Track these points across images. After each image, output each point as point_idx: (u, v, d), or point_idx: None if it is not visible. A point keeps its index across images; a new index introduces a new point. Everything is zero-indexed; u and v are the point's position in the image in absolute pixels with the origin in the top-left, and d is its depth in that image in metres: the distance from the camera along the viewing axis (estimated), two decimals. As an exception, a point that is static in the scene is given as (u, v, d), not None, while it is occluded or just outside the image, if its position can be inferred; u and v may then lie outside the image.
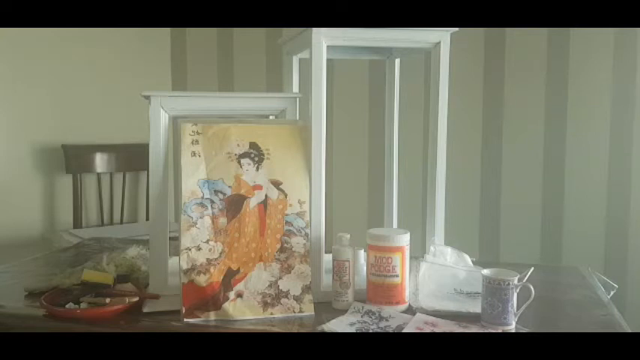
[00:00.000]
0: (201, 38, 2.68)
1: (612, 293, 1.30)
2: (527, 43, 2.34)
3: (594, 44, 2.27)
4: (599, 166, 2.30)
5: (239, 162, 1.21)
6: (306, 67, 1.26)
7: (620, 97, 2.27)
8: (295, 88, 1.48)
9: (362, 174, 2.54)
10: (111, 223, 2.56)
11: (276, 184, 1.23)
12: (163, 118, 1.20)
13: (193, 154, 1.20)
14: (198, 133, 1.20)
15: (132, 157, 2.58)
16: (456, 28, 1.27)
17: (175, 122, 1.22)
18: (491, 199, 2.44)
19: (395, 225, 1.59)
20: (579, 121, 2.31)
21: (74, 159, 2.40)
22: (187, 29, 2.69)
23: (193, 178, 1.19)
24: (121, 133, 2.54)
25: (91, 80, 2.47)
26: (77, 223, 2.41)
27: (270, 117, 1.28)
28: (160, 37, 2.74)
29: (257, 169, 1.22)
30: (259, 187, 1.22)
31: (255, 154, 1.22)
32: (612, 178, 2.29)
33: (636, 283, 2.25)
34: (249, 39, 2.57)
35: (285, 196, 1.22)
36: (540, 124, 2.36)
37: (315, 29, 1.21)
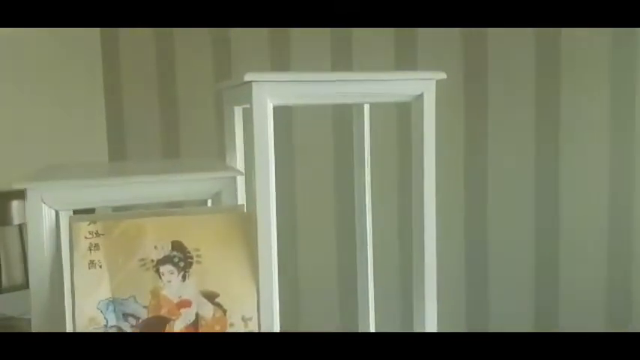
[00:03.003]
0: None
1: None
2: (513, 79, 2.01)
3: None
4: (598, 217, 1.99)
5: (158, 271, 0.88)
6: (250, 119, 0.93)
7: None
8: (239, 147, 1.15)
9: (330, 258, 1.99)
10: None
11: (211, 297, 0.90)
12: (47, 216, 0.86)
13: (92, 264, 0.86)
14: (98, 235, 0.87)
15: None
16: (443, 74, 0.96)
17: (66, 220, 0.88)
18: (478, 256, 2.08)
19: (372, 326, 1.27)
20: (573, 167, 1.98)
21: None
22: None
23: (92, 299, 0.85)
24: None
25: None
26: None
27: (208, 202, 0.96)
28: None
29: (183, 278, 0.89)
30: (187, 304, 0.89)
31: (180, 257, 0.89)
32: (612, 237, 1.99)
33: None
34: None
35: (224, 312, 0.90)
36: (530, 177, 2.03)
37: (256, 84, 0.89)
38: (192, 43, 2.01)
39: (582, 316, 1.90)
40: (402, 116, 1.89)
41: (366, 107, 1.23)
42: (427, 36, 1.96)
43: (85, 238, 0.86)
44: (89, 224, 0.86)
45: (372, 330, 1.29)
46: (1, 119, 2.07)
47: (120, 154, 2.02)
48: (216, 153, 1.92)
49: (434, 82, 0.96)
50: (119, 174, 0.93)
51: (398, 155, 1.90)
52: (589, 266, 1.94)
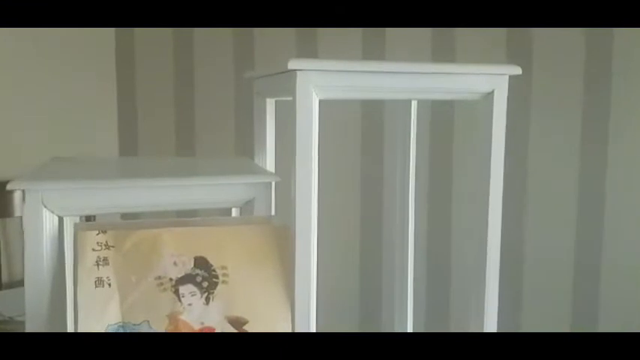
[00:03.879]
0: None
1: None
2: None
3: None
4: None
5: (177, 292, 0.74)
6: (285, 112, 0.79)
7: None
8: (270, 146, 1.01)
9: (353, 259, 1.81)
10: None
11: (239, 324, 0.76)
12: (48, 222, 0.72)
13: (99, 282, 0.73)
14: (107, 247, 0.73)
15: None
16: (518, 69, 0.82)
17: (70, 227, 0.75)
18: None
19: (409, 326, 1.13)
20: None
21: None
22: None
23: (99, 324, 0.72)
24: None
25: None
26: None
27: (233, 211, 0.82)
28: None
29: (207, 301, 0.75)
30: (210, 331, 0.75)
31: (204, 276, 0.75)
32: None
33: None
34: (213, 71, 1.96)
35: (253, 342, 0.76)
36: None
37: (301, 74, 0.75)
38: (212, 32, 1.87)
39: (623, 316, 1.75)
40: (434, 112, 1.74)
41: (414, 104, 1.09)
42: (465, 31, 1.81)
43: (93, 250, 0.72)
44: (98, 234, 0.73)
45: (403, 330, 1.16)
46: (9, 107, 1.94)
47: (131, 149, 1.88)
48: (234, 151, 1.78)
49: (507, 77, 0.82)
50: (134, 174, 0.79)
51: (428, 154, 1.75)
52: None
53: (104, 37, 1.99)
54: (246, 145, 1.66)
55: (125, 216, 1.56)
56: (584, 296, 1.73)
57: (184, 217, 0.78)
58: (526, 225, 1.73)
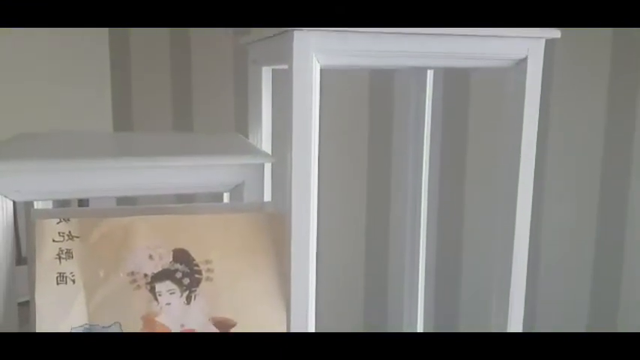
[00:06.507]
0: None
1: None
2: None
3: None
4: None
5: (153, 290, 0.64)
6: (283, 83, 0.68)
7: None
8: (266, 123, 0.90)
9: (358, 250, 1.58)
10: None
11: (226, 326, 0.66)
12: (4, 209, 0.62)
13: (61, 278, 0.62)
14: (71, 237, 0.62)
15: None
16: (557, 32, 0.70)
17: (28, 212, 0.64)
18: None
19: (419, 326, 1.03)
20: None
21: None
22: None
23: (61, 327, 0.61)
24: None
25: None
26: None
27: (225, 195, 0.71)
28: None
29: (188, 300, 0.65)
30: (192, 336, 0.65)
31: (185, 272, 0.65)
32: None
33: None
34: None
35: (242, 347, 0.66)
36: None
37: (299, 34, 0.63)
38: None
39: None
40: (447, 85, 1.59)
41: (430, 74, 0.97)
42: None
43: (54, 241, 0.62)
44: (59, 222, 0.62)
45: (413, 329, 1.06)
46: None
47: (126, 123, 1.75)
48: (235, 127, 1.65)
49: (543, 42, 0.70)
50: (101, 153, 0.68)
51: (441, 133, 1.61)
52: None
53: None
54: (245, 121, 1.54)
55: (121, 201, 1.45)
56: (602, 295, 1.61)
57: (164, 205, 0.67)
58: (543, 215, 1.60)
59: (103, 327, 0.62)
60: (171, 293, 0.64)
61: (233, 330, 0.66)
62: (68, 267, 0.62)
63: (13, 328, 0.63)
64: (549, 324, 1.54)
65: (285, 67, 0.66)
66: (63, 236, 0.62)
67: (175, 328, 0.64)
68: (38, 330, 0.60)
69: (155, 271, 0.64)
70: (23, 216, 0.79)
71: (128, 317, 0.63)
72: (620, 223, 1.49)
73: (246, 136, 0.92)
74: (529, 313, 0.86)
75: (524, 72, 0.69)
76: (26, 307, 0.63)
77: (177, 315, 0.64)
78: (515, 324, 0.78)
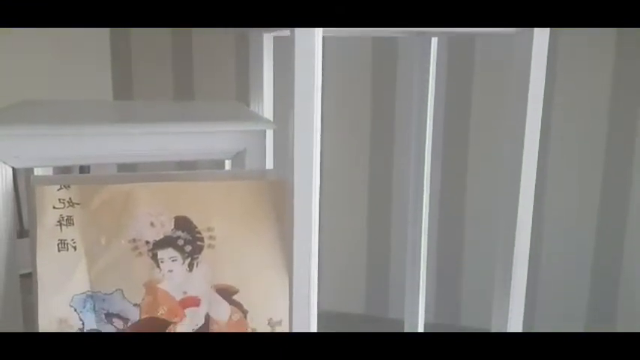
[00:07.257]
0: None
1: None
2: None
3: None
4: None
5: (155, 257, 0.64)
6: (285, 50, 0.66)
7: None
8: (268, 90, 0.89)
9: (360, 231, 1.58)
10: None
11: (228, 293, 0.66)
12: (3, 175, 0.61)
13: (62, 245, 0.62)
14: (72, 204, 0.62)
15: None
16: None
17: (28, 181, 0.63)
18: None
19: (420, 319, 1.04)
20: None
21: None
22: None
23: (63, 294, 0.61)
24: None
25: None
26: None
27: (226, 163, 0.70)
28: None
29: (190, 267, 0.65)
30: (194, 302, 0.65)
31: (187, 239, 0.65)
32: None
33: None
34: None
35: (245, 314, 0.66)
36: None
37: (300, -2, 0.61)
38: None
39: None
40: (451, 54, 1.57)
41: (434, 41, 0.95)
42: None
43: (54, 208, 0.61)
44: (60, 189, 0.62)
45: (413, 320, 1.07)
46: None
47: (126, 92, 1.73)
48: (235, 96, 1.63)
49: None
50: (101, 119, 0.67)
51: (444, 104, 1.59)
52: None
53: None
54: (247, 89, 1.52)
55: (122, 168, 1.44)
56: (600, 295, 1.60)
57: (166, 171, 0.67)
58: (543, 207, 1.57)
59: (105, 294, 0.63)
60: (173, 260, 0.64)
61: (235, 297, 0.66)
62: (69, 234, 0.62)
63: (15, 299, 0.64)
64: (549, 325, 1.53)
65: (287, 33, 0.65)
66: (63, 203, 0.62)
67: (178, 295, 0.64)
68: (40, 297, 0.60)
69: (157, 238, 0.64)
70: (25, 190, 0.79)
71: (130, 284, 0.63)
72: (620, 223, 1.47)
73: (248, 104, 0.91)
74: (529, 302, 0.86)
75: (531, 39, 0.68)
76: (29, 279, 0.63)
77: (180, 282, 0.64)
78: (516, 315, 0.78)
